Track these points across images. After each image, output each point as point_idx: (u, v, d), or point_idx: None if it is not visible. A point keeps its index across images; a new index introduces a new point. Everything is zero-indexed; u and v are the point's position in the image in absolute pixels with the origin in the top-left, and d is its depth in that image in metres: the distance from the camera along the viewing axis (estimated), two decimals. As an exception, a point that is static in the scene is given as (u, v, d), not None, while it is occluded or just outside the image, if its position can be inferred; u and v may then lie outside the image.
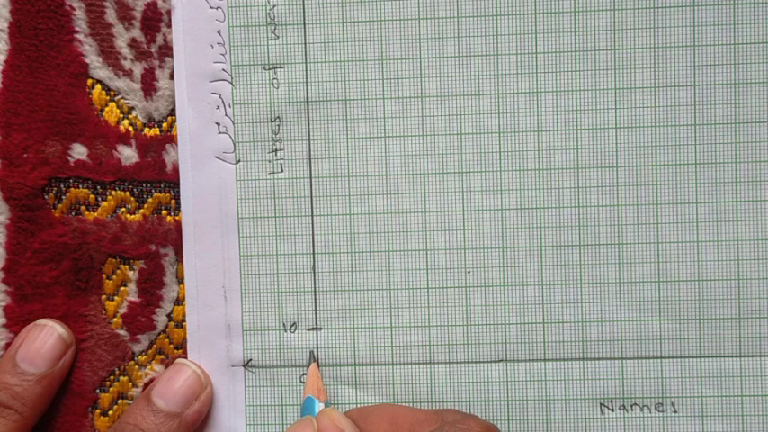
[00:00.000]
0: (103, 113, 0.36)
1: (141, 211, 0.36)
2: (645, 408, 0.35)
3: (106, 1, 0.36)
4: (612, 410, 0.35)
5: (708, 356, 0.35)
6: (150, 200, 0.36)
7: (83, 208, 0.36)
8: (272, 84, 0.35)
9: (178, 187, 0.36)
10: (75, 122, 0.36)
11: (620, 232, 0.35)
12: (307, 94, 0.35)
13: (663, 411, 0.35)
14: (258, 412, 0.36)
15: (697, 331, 0.35)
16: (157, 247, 0.36)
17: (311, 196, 0.35)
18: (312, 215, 0.36)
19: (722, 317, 0.35)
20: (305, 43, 0.35)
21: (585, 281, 0.35)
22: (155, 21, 0.36)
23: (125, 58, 0.36)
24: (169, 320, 0.37)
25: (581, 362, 0.35)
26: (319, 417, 0.32)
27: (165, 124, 0.36)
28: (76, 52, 0.36)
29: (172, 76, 0.36)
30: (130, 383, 0.37)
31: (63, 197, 0.36)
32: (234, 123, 0.35)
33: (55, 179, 0.36)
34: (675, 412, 0.35)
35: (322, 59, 0.35)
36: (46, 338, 0.35)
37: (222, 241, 0.36)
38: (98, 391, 0.37)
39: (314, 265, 0.36)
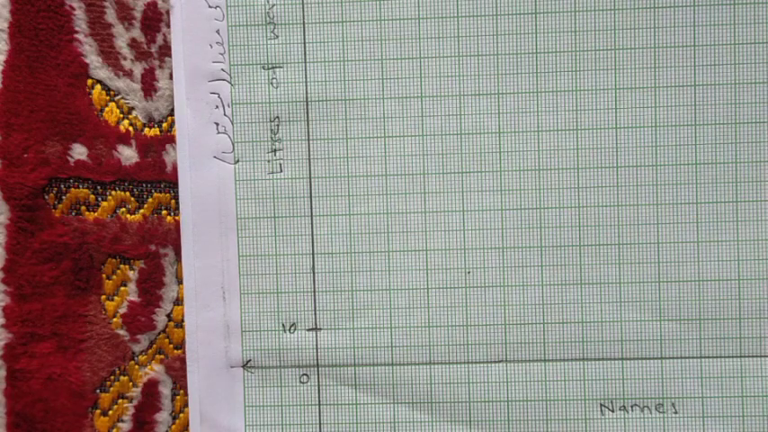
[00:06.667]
0: (103, 113, 0.36)
1: (141, 211, 0.36)
2: (645, 408, 0.35)
3: (106, 1, 0.36)
4: (613, 411, 0.35)
5: (708, 357, 0.35)
6: (150, 200, 0.36)
7: (83, 208, 0.36)
8: (272, 83, 0.35)
9: (178, 187, 0.36)
10: (75, 122, 0.36)
11: (621, 233, 0.35)
12: (306, 93, 0.35)
13: (663, 412, 0.35)
14: (257, 413, 0.36)
15: (697, 332, 0.35)
16: (157, 247, 0.36)
17: (310, 196, 0.35)
18: (311, 215, 0.35)
19: (723, 317, 0.35)
20: (304, 43, 0.35)
21: (586, 281, 0.35)
22: (155, 21, 0.36)
23: (125, 58, 0.36)
24: (169, 320, 0.37)
25: (581, 362, 0.35)
26: None
27: (165, 124, 0.36)
28: (76, 52, 0.36)
29: (172, 76, 0.36)
30: (130, 383, 0.37)
31: (63, 197, 0.36)
32: (233, 123, 0.35)
33: (55, 179, 0.36)
34: (676, 413, 0.35)
35: (321, 59, 0.35)
36: None
37: (221, 241, 0.36)
38: (98, 391, 0.37)
39: (313, 265, 0.36)
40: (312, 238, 0.36)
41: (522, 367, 0.35)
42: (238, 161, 0.36)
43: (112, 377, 0.37)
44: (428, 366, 0.36)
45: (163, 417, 0.37)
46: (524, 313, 0.35)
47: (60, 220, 0.36)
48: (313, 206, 0.35)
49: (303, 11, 0.35)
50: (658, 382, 0.35)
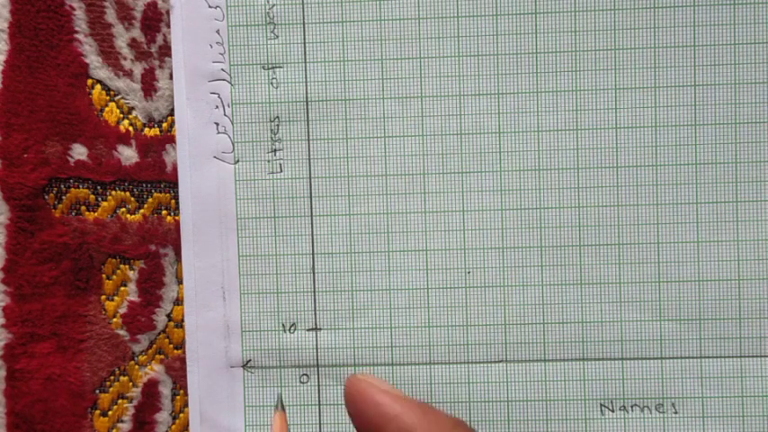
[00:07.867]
0: (103, 113, 0.36)
1: (141, 211, 0.36)
2: (645, 408, 0.35)
3: (106, 1, 0.36)
4: (613, 411, 0.35)
5: (708, 357, 0.35)
6: (150, 200, 0.36)
7: (83, 208, 0.36)
8: (272, 83, 0.35)
9: (178, 187, 0.36)
10: (75, 122, 0.36)
11: (621, 233, 0.35)
12: (306, 93, 0.35)
13: (663, 412, 0.35)
14: (257, 413, 0.36)
15: (697, 332, 0.35)
16: (157, 247, 0.36)
17: (310, 196, 0.35)
18: (311, 215, 0.35)
19: (723, 317, 0.35)
20: (304, 43, 0.35)
21: (586, 281, 0.35)
22: (155, 21, 0.36)
23: (125, 58, 0.36)
24: (169, 320, 0.37)
25: (581, 362, 0.35)
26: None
27: (165, 124, 0.36)
28: (76, 52, 0.36)
29: (172, 76, 0.36)
30: (130, 383, 0.37)
31: (63, 197, 0.36)
32: (233, 123, 0.35)
33: (55, 179, 0.36)
34: (676, 413, 0.35)
35: (321, 59, 0.35)
36: None
37: (221, 242, 0.36)
38: (98, 391, 0.37)
39: (313, 265, 0.36)
40: (312, 238, 0.36)
41: (522, 367, 0.35)
42: (238, 161, 0.36)
43: (112, 377, 0.37)
44: (428, 366, 0.36)
45: (163, 417, 0.37)
46: (524, 313, 0.35)
47: (60, 220, 0.36)
48: (313, 206, 0.35)
49: (303, 11, 0.35)
50: (658, 382, 0.35)
